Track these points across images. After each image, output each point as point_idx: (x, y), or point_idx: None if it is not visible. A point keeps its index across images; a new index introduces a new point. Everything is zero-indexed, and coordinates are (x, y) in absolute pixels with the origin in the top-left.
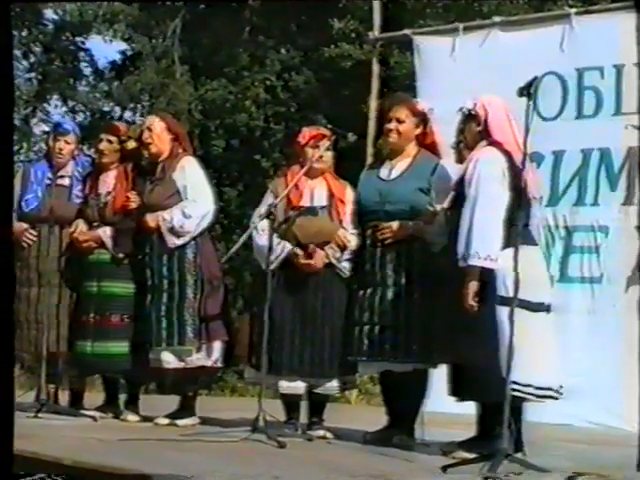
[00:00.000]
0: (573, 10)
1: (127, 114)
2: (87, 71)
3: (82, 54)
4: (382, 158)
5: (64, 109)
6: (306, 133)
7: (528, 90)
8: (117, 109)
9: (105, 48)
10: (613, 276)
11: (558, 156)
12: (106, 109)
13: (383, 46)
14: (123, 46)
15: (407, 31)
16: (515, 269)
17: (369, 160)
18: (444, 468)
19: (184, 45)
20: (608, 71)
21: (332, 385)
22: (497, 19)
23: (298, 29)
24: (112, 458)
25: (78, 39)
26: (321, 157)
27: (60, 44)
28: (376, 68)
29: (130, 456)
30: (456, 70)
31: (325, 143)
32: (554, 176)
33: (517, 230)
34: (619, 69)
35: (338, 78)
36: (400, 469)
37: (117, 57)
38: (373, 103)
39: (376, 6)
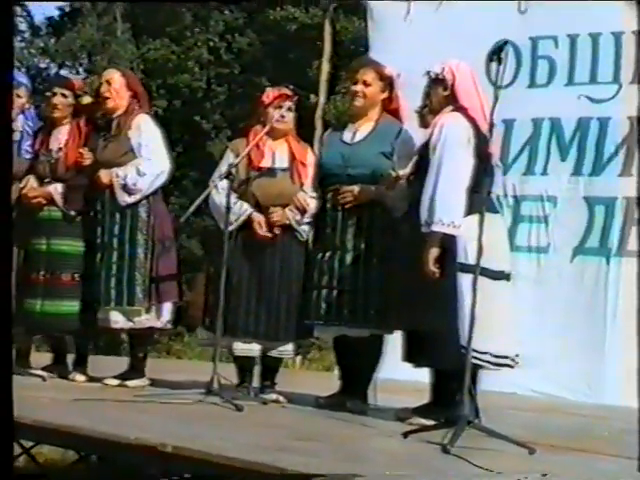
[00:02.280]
0: None
1: (64, 71)
2: (23, 26)
3: (18, 9)
4: (345, 121)
5: None
6: (270, 93)
7: (498, 55)
8: (53, 66)
9: (42, 4)
10: (560, 246)
11: (508, 125)
12: (42, 66)
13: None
14: (61, 2)
15: None
16: (479, 237)
17: (318, 123)
18: (405, 434)
19: (126, 2)
20: (562, 40)
21: (286, 348)
22: None
23: None
24: (68, 417)
25: None
26: (283, 117)
27: None
28: (328, 31)
29: (85, 416)
30: (410, 35)
31: (287, 103)
32: (504, 145)
33: (483, 198)
34: (573, 39)
35: (282, 41)
36: (357, 433)
37: (55, 13)
38: (325, 66)
39: None
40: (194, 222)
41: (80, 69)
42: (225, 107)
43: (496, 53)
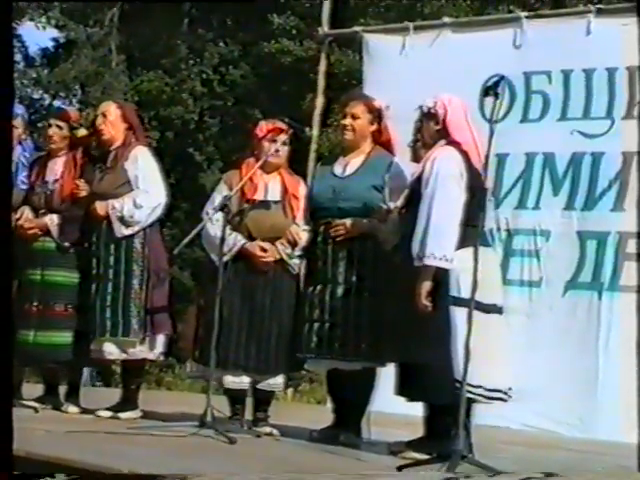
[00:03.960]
0: (524, 14)
1: (57, 102)
2: (17, 57)
3: (13, 40)
4: (336, 154)
5: None
6: (263, 126)
7: (495, 90)
8: (47, 97)
9: (37, 35)
10: (552, 280)
11: (501, 159)
12: (35, 96)
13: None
14: (56, 34)
15: (357, 28)
16: (475, 271)
17: (312, 156)
18: (399, 468)
19: (121, 34)
20: (556, 76)
21: (276, 381)
22: (447, 20)
23: (238, 23)
24: (62, 450)
25: None
26: (277, 151)
27: None
28: (323, 64)
29: (79, 448)
30: (405, 69)
31: (282, 137)
32: (497, 179)
33: (477, 231)
34: (567, 74)
35: (276, 73)
36: (351, 467)
37: (49, 44)
38: (319, 99)
39: (326, 3)
40: (185, 254)
41: (74, 100)
42: (218, 139)
43: (492, 88)
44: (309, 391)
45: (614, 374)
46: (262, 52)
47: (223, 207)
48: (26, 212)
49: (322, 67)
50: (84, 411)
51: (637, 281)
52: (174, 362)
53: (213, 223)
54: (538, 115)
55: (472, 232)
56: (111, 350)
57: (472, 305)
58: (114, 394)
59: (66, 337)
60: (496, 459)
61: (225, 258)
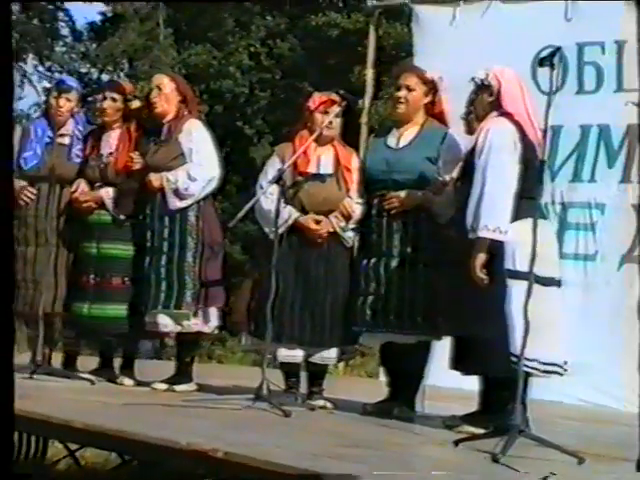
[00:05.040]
0: None
1: (104, 76)
2: (65, 31)
3: (61, 14)
4: (389, 126)
5: (40, 69)
6: (316, 98)
7: (551, 60)
8: (94, 71)
9: (85, 9)
10: (607, 254)
11: (556, 131)
12: (83, 70)
13: (367, 15)
14: (103, 7)
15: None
16: (533, 244)
17: (363, 129)
18: (455, 442)
19: (168, 8)
20: (609, 47)
21: (330, 354)
22: None
23: None
24: (119, 422)
25: None
26: (331, 123)
27: (39, 3)
28: (372, 37)
29: (136, 421)
30: (456, 40)
31: (335, 109)
32: (551, 152)
33: (534, 203)
34: (620, 45)
35: (324, 46)
36: (407, 441)
37: (97, 18)
38: (370, 72)
39: None
40: (236, 227)
41: (121, 74)
42: (267, 112)
43: (548, 59)
44: (360, 364)
45: None
46: (309, 25)
47: (278, 180)
48: (82, 185)
49: (371, 39)
50: (139, 384)
51: None
52: (225, 335)
53: (267, 196)
54: (593, 87)
55: (528, 204)
56: (165, 322)
57: (531, 279)
58: (168, 367)
59: (122, 310)
60: (550, 434)
61: (280, 231)
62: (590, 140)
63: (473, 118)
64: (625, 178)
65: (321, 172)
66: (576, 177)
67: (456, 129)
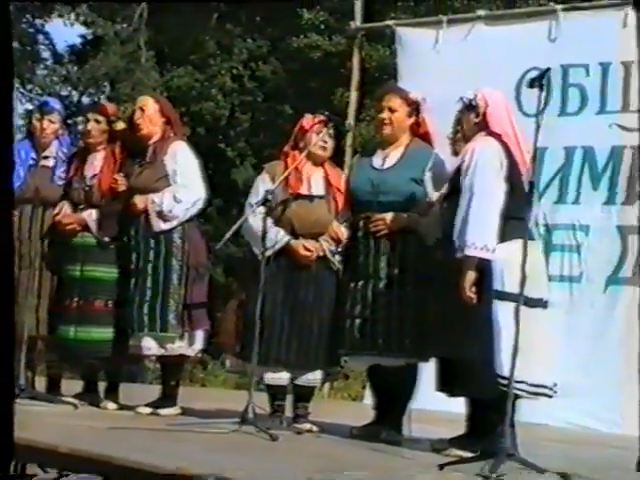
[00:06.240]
0: (559, 6)
1: (86, 99)
2: (46, 54)
3: (41, 37)
4: (374, 147)
5: (22, 91)
6: (309, 119)
7: (540, 81)
8: (75, 94)
9: (65, 32)
10: (592, 276)
11: (540, 153)
12: (64, 93)
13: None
14: (84, 30)
15: (390, 22)
16: (523, 264)
17: (348, 151)
18: (441, 466)
19: (150, 30)
20: (593, 69)
21: (315, 376)
22: (482, 13)
23: (266, 19)
24: (104, 446)
25: (38, 21)
26: (325, 143)
27: (20, 26)
28: (356, 59)
29: (121, 445)
30: (439, 62)
31: (329, 130)
32: (535, 173)
33: (522, 224)
34: (605, 67)
35: (306, 69)
36: (394, 464)
37: (77, 41)
38: (354, 94)
39: None
40: (219, 249)
41: (102, 97)
42: (249, 135)
43: (537, 80)
44: (344, 387)
45: None
46: (291, 47)
47: (265, 201)
48: (65, 207)
49: (355, 61)
50: (123, 407)
51: None
52: (207, 358)
53: (256, 215)
54: (576, 108)
55: (517, 225)
56: (150, 345)
57: (521, 300)
58: (153, 391)
59: (106, 333)
60: (542, 456)
61: (268, 253)
62: (574, 162)
63: (459, 138)
64: (608, 200)
65: (312, 193)
66: (560, 199)
67: (441, 150)
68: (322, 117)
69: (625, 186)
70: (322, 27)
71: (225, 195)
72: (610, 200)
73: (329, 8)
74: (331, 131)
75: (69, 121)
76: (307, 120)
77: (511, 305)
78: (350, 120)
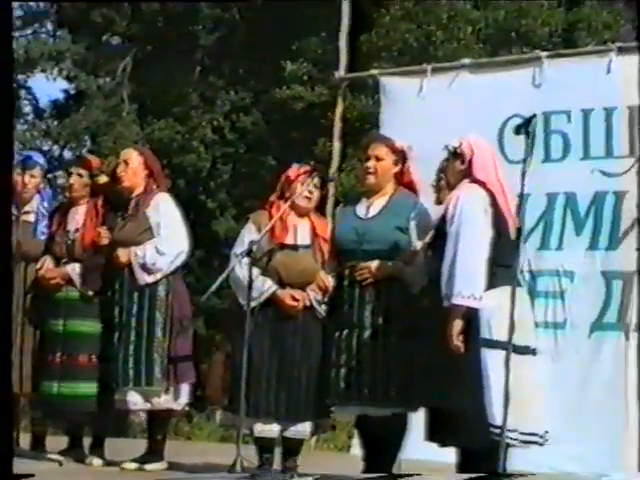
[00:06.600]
0: (544, 53)
1: (67, 153)
2: (27, 109)
3: (23, 92)
4: (358, 195)
5: None
6: (295, 169)
7: (526, 128)
8: (56, 148)
9: (48, 87)
10: (577, 322)
11: (523, 199)
12: (45, 148)
13: (334, 88)
14: (66, 85)
15: (374, 72)
16: (511, 312)
17: (330, 201)
18: None
19: (133, 83)
20: (575, 115)
21: (304, 428)
22: (466, 61)
23: (249, 70)
24: None
25: (21, 77)
26: (311, 193)
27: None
28: (340, 109)
29: None
30: (423, 110)
31: (315, 180)
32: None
33: (510, 271)
34: (587, 113)
35: (288, 120)
36: None
37: (60, 96)
38: (336, 144)
39: (342, 46)
40: (198, 301)
41: (83, 150)
42: (230, 186)
43: (523, 127)
44: (330, 438)
45: None
46: (273, 98)
47: (249, 252)
48: (47, 262)
49: (338, 112)
50: (109, 463)
51: None
52: (192, 411)
53: (242, 266)
54: (559, 155)
55: (503, 272)
56: (135, 400)
57: (510, 348)
58: (139, 445)
59: (90, 388)
60: None
61: (254, 303)
62: (557, 208)
63: (444, 186)
64: (592, 245)
65: (298, 243)
66: (544, 245)
67: (425, 199)
68: (308, 167)
69: (608, 231)
70: (305, 78)
71: (206, 246)
72: (594, 245)
73: (312, 59)
74: (316, 181)
75: (49, 175)
76: (293, 170)
77: (500, 353)
78: (333, 170)
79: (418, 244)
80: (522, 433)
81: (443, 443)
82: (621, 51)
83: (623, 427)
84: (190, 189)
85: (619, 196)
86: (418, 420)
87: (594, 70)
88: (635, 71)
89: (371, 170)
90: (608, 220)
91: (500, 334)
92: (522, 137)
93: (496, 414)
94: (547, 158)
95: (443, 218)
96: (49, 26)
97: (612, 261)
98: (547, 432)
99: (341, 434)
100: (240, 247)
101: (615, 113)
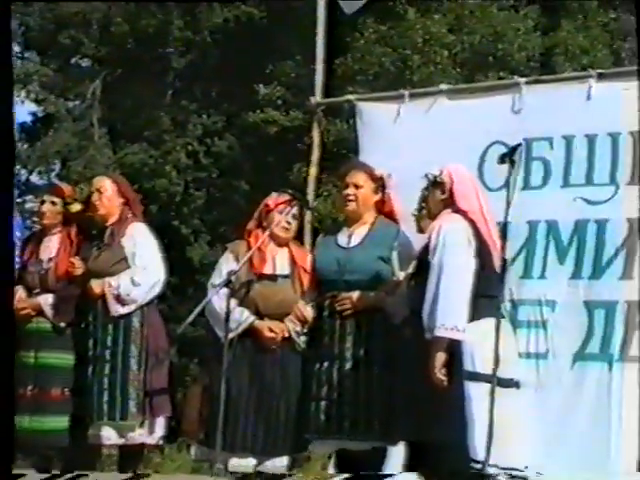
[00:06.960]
0: (523, 79)
1: (34, 178)
2: None
3: None
4: (336, 223)
5: None
6: (273, 198)
7: (511, 157)
8: (23, 172)
9: (15, 109)
10: (559, 352)
11: (503, 228)
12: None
13: (310, 112)
14: (34, 107)
15: (351, 97)
16: (496, 344)
17: (308, 228)
18: None
19: (103, 107)
20: (557, 142)
21: (281, 463)
22: (444, 86)
23: (222, 93)
24: None
25: None
26: (289, 223)
27: None
28: (316, 134)
29: None
30: (401, 136)
31: (292, 210)
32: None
33: (493, 302)
34: (568, 140)
35: (262, 144)
36: None
37: (28, 119)
38: (313, 169)
39: (319, 71)
40: (173, 330)
41: (52, 175)
42: (203, 212)
43: (508, 155)
44: (304, 469)
45: (627, 447)
46: (247, 122)
47: (227, 283)
48: (19, 292)
49: (315, 137)
50: None
51: None
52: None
53: (220, 297)
54: (540, 182)
55: (486, 303)
56: (109, 435)
57: (494, 381)
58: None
59: (60, 422)
60: None
61: (231, 335)
62: (538, 236)
63: (425, 215)
64: (575, 274)
65: (277, 273)
66: (526, 274)
67: (405, 226)
68: (287, 196)
69: (591, 260)
70: (279, 102)
71: (180, 273)
72: (576, 274)
73: (286, 83)
74: (295, 211)
75: (18, 200)
76: (272, 199)
77: (483, 386)
78: (310, 197)
79: (400, 274)
80: (502, 468)
81: (424, 477)
82: (600, 77)
83: (606, 458)
84: (163, 215)
85: (601, 224)
86: (398, 452)
87: (574, 96)
88: (616, 98)
89: (351, 197)
90: (591, 249)
91: (484, 366)
92: (502, 164)
93: (478, 448)
94: (527, 185)
95: (426, 248)
96: (17, 48)
97: (595, 291)
98: (527, 467)
99: (315, 465)
100: (218, 277)
101: (597, 140)
